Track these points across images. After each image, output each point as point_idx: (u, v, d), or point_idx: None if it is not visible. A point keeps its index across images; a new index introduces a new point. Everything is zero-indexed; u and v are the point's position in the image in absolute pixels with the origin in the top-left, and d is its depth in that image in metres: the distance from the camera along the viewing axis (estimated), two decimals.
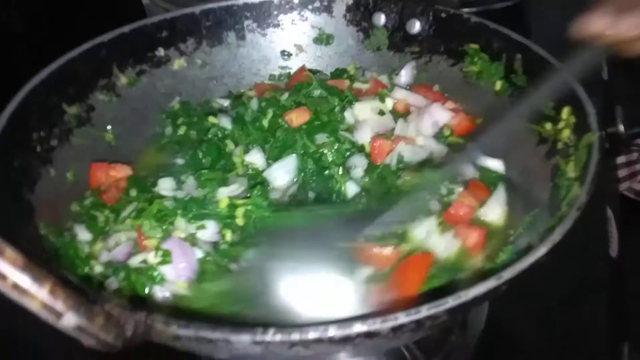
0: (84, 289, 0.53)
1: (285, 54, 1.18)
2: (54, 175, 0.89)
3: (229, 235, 0.84)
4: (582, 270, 1.06)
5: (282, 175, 0.95)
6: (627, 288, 1.09)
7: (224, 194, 0.87)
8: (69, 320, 0.48)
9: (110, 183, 0.94)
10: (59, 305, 0.47)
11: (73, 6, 1.49)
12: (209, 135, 1.01)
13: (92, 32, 1.02)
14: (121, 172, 0.96)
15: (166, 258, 0.79)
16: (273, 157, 0.97)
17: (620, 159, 1.47)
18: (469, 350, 0.92)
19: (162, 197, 0.88)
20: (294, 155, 0.95)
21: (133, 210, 0.87)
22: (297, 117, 0.99)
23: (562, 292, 1.01)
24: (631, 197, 1.46)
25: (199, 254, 0.82)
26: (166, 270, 0.79)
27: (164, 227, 0.83)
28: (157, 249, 0.80)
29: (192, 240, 0.83)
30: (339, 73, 1.14)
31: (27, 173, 0.85)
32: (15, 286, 0.46)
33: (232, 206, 0.85)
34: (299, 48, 1.18)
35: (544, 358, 0.92)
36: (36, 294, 0.46)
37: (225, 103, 1.11)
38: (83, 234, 0.86)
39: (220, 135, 1.02)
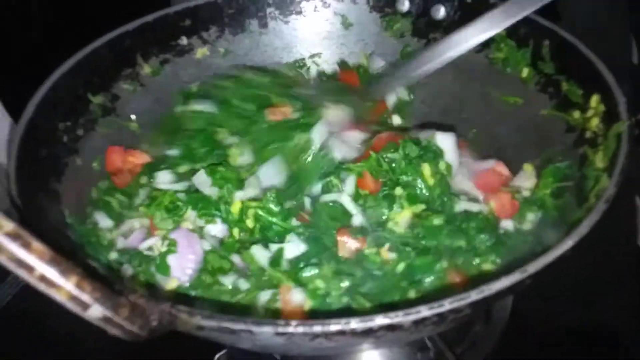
0: (109, 280, 0.54)
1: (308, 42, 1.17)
2: (80, 165, 0.91)
3: (236, 232, 0.84)
4: (610, 260, 1.04)
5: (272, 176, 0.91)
6: None
7: (239, 198, 0.85)
8: (96, 311, 0.49)
9: (127, 169, 0.95)
10: (85, 297, 0.48)
11: None
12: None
13: (116, 21, 1.02)
14: (139, 158, 0.97)
15: (172, 247, 0.80)
16: None
17: None
18: (493, 341, 0.92)
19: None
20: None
21: (146, 198, 0.89)
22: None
23: (589, 283, 1.00)
24: None
25: (206, 246, 0.82)
26: (171, 260, 0.80)
27: (174, 219, 0.84)
28: (164, 237, 0.81)
29: (200, 232, 0.84)
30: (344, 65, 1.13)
31: (54, 163, 0.86)
32: (43, 278, 0.47)
33: (245, 209, 0.84)
34: (322, 35, 1.17)
35: (569, 350, 0.91)
36: (63, 286, 0.47)
37: None
38: (104, 221, 0.88)
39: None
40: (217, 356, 0.91)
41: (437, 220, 0.79)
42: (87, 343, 0.95)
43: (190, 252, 0.81)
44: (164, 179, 0.91)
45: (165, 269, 0.80)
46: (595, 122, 0.80)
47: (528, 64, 0.96)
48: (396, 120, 1.09)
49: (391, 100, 1.09)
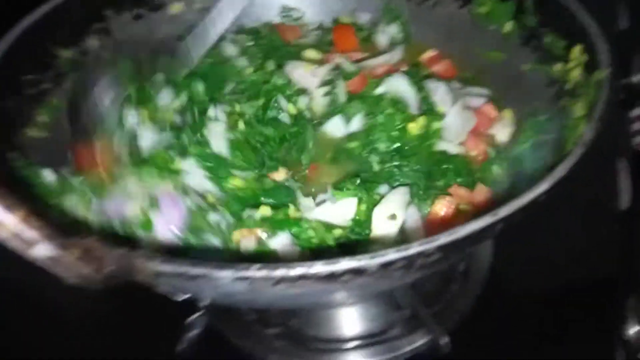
0: (61, 222, 0.52)
1: None
2: (47, 120, 0.88)
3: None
4: (591, 222, 1.03)
5: None
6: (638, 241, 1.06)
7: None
8: (42, 249, 0.47)
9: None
10: (30, 233, 0.46)
11: None
12: None
13: None
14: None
15: (154, 205, 0.77)
16: None
17: (636, 112, 1.41)
18: (471, 301, 0.91)
19: None
20: None
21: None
22: None
23: (569, 245, 0.99)
24: None
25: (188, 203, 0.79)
26: (155, 219, 0.76)
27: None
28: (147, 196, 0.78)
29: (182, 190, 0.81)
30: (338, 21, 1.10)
31: (18, 115, 0.83)
32: None
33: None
34: None
35: (548, 311, 0.90)
36: (5, 221, 0.45)
37: None
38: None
39: None
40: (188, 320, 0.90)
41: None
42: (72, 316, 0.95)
43: (174, 210, 0.78)
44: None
45: (148, 225, 0.76)
46: (576, 73, 0.78)
47: (511, 17, 0.93)
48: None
49: (383, 40, 1.06)
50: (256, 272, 0.52)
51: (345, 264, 0.52)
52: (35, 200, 0.71)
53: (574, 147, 0.61)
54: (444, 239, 0.53)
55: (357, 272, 0.52)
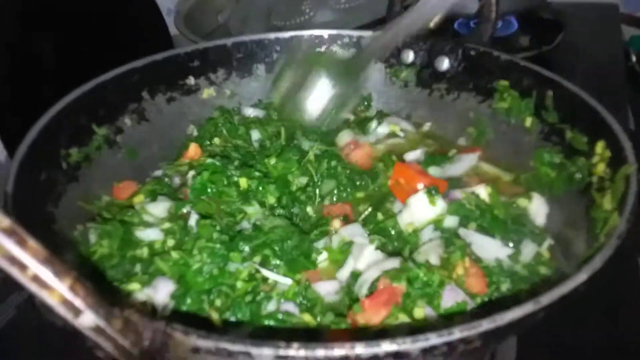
0: (104, 290, 0.51)
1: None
2: (79, 192, 0.89)
3: None
4: (615, 319, 1.01)
5: None
6: None
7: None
8: (88, 319, 0.46)
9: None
10: (78, 302, 0.45)
11: (102, 39, 1.52)
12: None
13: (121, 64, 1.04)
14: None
15: None
16: None
17: None
18: None
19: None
20: None
21: None
22: None
23: (595, 341, 0.96)
24: None
25: None
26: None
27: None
28: None
29: None
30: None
31: (52, 187, 0.85)
32: (36, 278, 0.44)
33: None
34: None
35: None
36: (56, 287, 0.45)
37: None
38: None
39: None
40: None
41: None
42: None
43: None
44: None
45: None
46: (601, 168, 0.80)
47: (531, 113, 0.97)
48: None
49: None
50: (297, 351, 0.51)
51: (387, 346, 0.51)
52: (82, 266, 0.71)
53: (609, 239, 0.62)
54: (486, 325, 0.52)
55: (398, 355, 0.52)
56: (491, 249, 0.79)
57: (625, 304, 1.05)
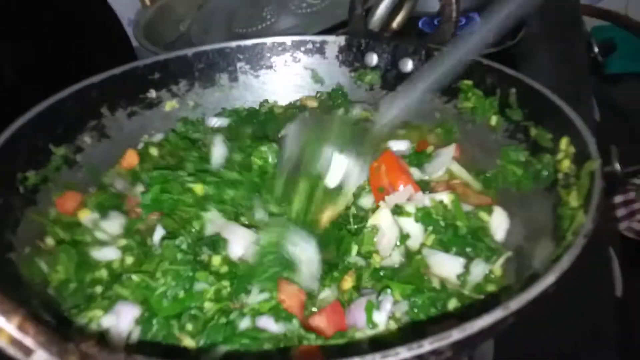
0: (58, 326, 0.49)
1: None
2: (37, 215, 0.86)
3: None
4: (589, 312, 1.01)
5: None
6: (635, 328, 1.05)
7: None
8: (40, 358, 0.44)
9: None
10: (28, 340, 0.43)
11: (63, 52, 1.48)
12: None
13: (83, 76, 1.01)
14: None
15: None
16: None
17: (618, 199, 1.45)
18: None
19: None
20: None
21: None
22: None
23: (568, 338, 0.97)
24: (630, 237, 1.43)
25: None
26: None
27: None
28: None
29: None
30: None
31: (9, 213, 0.82)
32: None
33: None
34: (292, 89, 1.17)
35: None
36: (4, 327, 0.42)
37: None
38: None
39: None
40: None
41: None
42: None
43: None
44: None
45: None
46: (566, 164, 0.80)
47: (496, 112, 0.97)
48: None
49: None
50: None
51: None
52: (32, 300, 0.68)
53: (576, 237, 0.61)
54: (457, 335, 0.51)
55: None
56: (446, 266, 0.78)
57: (600, 296, 1.06)
